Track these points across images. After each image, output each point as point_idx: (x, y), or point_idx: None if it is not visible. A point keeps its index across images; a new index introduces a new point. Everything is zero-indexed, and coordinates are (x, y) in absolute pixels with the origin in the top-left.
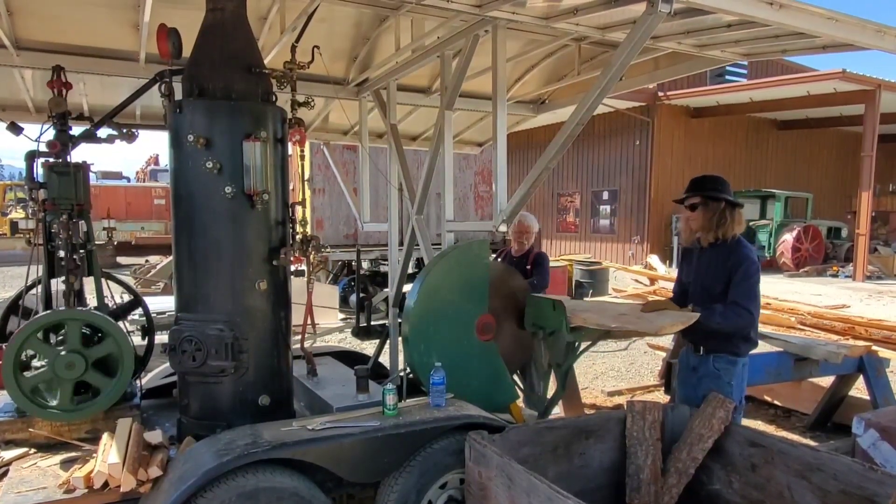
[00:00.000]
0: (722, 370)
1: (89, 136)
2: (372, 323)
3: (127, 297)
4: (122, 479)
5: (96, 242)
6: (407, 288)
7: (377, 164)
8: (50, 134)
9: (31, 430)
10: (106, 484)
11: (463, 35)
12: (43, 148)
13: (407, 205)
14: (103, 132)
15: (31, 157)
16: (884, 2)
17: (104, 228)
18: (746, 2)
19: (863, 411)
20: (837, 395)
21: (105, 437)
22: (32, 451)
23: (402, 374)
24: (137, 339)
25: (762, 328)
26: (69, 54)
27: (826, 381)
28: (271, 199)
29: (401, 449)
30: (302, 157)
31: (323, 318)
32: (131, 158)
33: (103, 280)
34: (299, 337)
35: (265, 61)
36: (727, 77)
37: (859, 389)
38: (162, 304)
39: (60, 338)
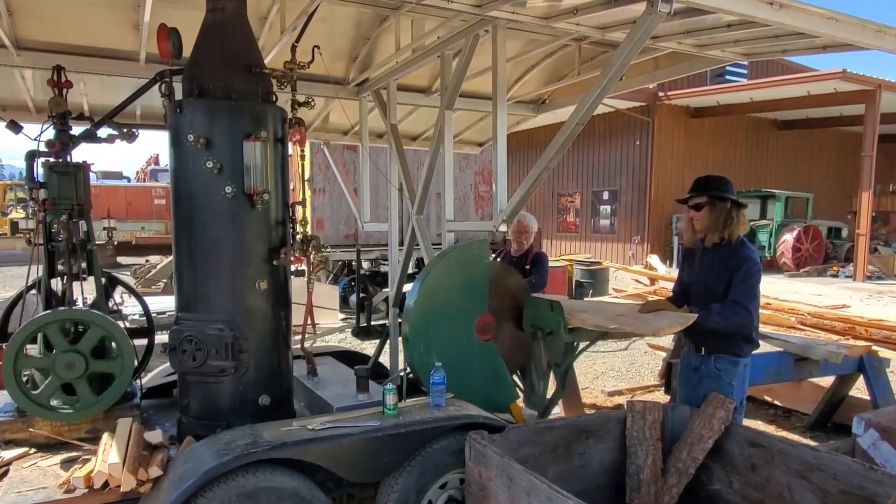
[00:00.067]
0: (723, 370)
1: (89, 136)
2: (372, 323)
3: (127, 297)
4: (123, 478)
5: (96, 242)
6: (407, 288)
7: (377, 164)
8: (50, 133)
9: (31, 429)
10: (106, 484)
11: (463, 35)
12: (43, 147)
13: (407, 205)
14: (103, 132)
15: (32, 156)
16: (884, 2)
17: (104, 228)
18: (746, 2)
19: (863, 411)
20: (837, 395)
21: (105, 436)
22: (32, 450)
23: (402, 374)
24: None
25: (762, 328)
26: (69, 54)
27: (826, 381)
28: (271, 198)
29: (401, 449)
30: (302, 157)
31: (323, 318)
32: (131, 158)
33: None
34: (299, 337)
35: (265, 61)
36: (727, 77)
37: (859, 389)
38: (162, 304)
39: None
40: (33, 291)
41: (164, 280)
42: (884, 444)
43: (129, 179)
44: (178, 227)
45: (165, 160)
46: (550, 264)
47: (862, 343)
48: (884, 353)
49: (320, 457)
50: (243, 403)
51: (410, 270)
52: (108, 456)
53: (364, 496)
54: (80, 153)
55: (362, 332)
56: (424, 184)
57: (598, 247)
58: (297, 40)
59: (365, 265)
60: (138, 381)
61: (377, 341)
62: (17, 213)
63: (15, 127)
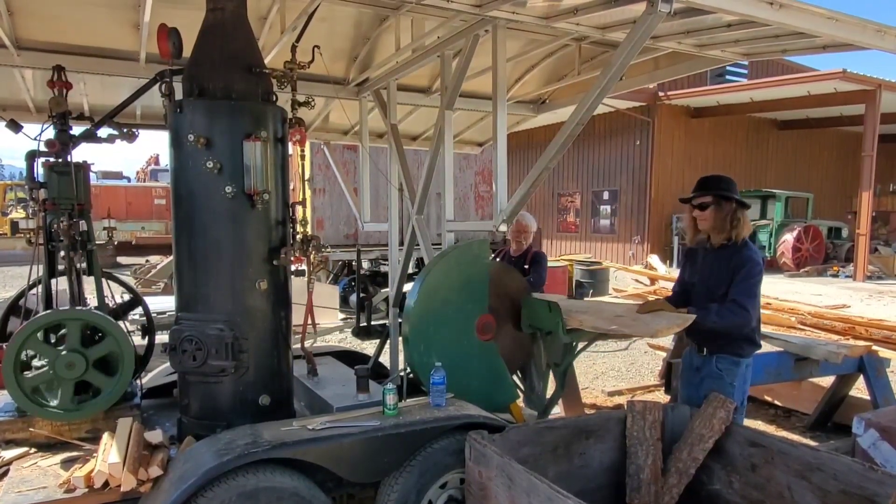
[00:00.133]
0: (724, 371)
1: (90, 136)
2: (372, 323)
3: (128, 297)
4: (123, 478)
5: (97, 242)
6: (407, 288)
7: (377, 163)
8: (50, 133)
9: (31, 429)
10: (106, 483)
11: (463, 35)
12: (43, 147)
13: (407, 205)
14: (104, 132)
15: (32, 156)
16: (884, 2)
17: (104, 228)
18: (746, 2)
19: (863, 411)
20: (837, 395)
21: (105, 436)
22: (33, 450)
23: (402, 373)
24: (138, 339)
25: (762, 328)
26: (69, 54)
27: (826, 381)
28: (271, 198)
29: (401, 449)
30: (302, 157)
31: (323, 318)
32: (132, 158)
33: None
34: (299, 337)
35: (265, 61)
36: (727, 77)
37: (859, 389)
38: (162, 303)
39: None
40: (33, 291)
41: (164, 280)
42: (884, 444)
43: (129, 179)
44: (178, 227)
45: (165, 160)
46: (551, 264)
47: (862, 343)
48: (884, 353)
49: (320, 457)
50: (243, 403)
51: (410, 270)
52: (109, 456)
53: (364, 496)
54: (80, 153)
55: (362, 332)
56: (424, 184)
57: (598, 247)
58: (298, 40)
59: (365, 265)
60: (138, 381)
61: (377, 341)
62: (18, 213)
63: (15, 127)
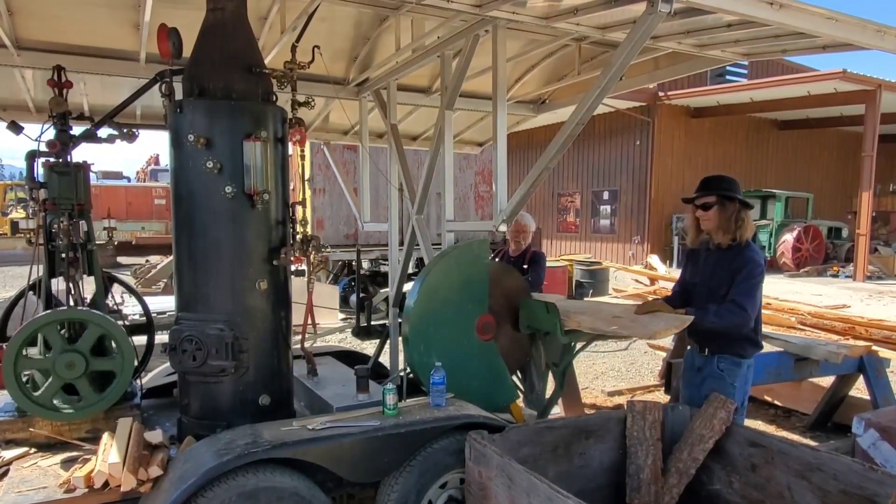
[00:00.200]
0: (726, 371)
1: (90, 136)
2: (372, 323)
3: (128, 297)
4: (123, 478)
5: (97, 242)
6: (407, 288)
7: (377, 164)
8: (50, 134)
9: (31, 429)
10: (106, 483)
11: (463, 35)
12: (43, 148)
13: (407, 205)
14: (104, 132)
15: (32, 156)
16: (884, 2)
17: (105, 228)
18: (746, 2)
19: (863, 411)
20: (837, 395)
21: (105, 436)
22: (33, 450)
23: (402, 373)
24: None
25: (762, 328)
26: (69, 54)
27: (826, 381)
28: (271, 198)
29: (401, 449)
30: (302, 157)
31: (323, 318)
32: (132, 158)
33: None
34: (299, 337)
35: (265, 61)
36: (727, 77)
37: (859, 389)
38: (162, 303)
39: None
40: (33, 291)
41: (164, 280)
42: (884, 444)
43: (129, 179)
44: (178, 227)
45: (165, 160)
46: (551, 264)
47: (862, 343)
48: (884, 353)
49: (320, 457)
50: (243, 403)
51: (410, 270)
52: (109, 456)
53: (364, 496)
54: (80, 153)
55: (362, 332)
56: (424, 184)
57: (598, 247)
58: (298, 40)
59: (365, 265)
60: (138, 381)
61: (377, 341)
62: (18, 213)
63: (16, 128)
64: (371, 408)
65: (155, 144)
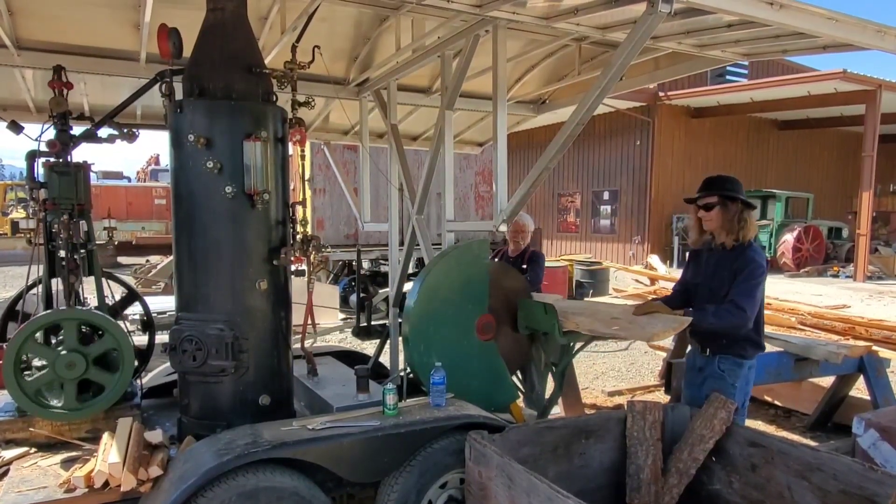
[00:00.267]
0: (727, 371)
1: (90, 136)
2: (372, 323)
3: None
4: (123, 478)
5: (97, 242)
6: (407, 288)
7: (378, 164)
8: (50, 134)
9: (31, 429)
10: (106, 483)
11: (463, 35)
12: (43, 147)
13: (407, 205)
14: (104, 132)
15: (32, 156)
16: (884, 2)
17: (105, 228)
18: (746, 2)
19: (863, 411)
20: (838, 396)
21: (105, 436)
22: (33, 450)
23: (402, 373)
24: (137, 339)
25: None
26: (70, 54)
27: (826, 381)
28: (272, 198)
29: (401, 449)
30: (302, 157)
31: (323, 318)
32: (132, 158)
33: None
34: (299, 337)
35: (266, 61)
36: (728, 77)
37: (860, 389)
38: (162, 303)
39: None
40: (33, 291)
41: (165, 280)
42: (884, 444)
43: (129, 179)
44: (178, 227)
45: (166, 160)
46: (551, 264)
47: (862, 343)
48: (884, 353)
49: (320, 457)
50: (243, 403)
51: (411, 270)
52: (109, 455)
53: (364, 496)
54: (80, 153)
55: (362, 332)
56: (424, 184)
57: (598, 247)
58: (298, 40)
59: (365, 265)
60: (138, 381)
61: (377, 341)
62: (18, 213)
63: (16, 128)
64: (371, 408)
65: (155, 144)
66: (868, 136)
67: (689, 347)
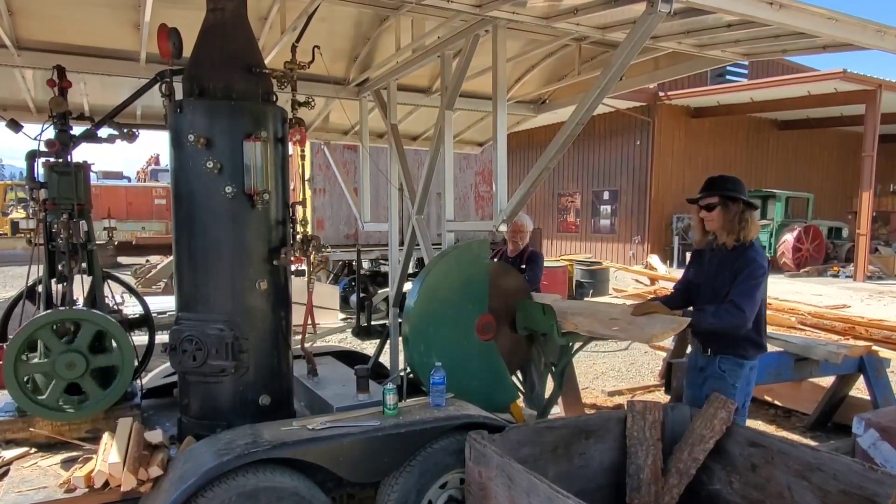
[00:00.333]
0: (727, 371)
1: (90, 136)
2: (372, 323)
3: (127, 296)
4: (123, 478)
5: (97, 242)
6: (407, 288)
7: (378, 163)
8: (50, 133)
9: (31, 429)
10: (106, 483)
11: (463, 35)
12: (43, 147)
13: (407, 205)
14: (104, 132)
15: (32, 156)
16: (884, 2)
17: (105, 228)
18: (746, 2)
19: (863, 411)
20: (838, 395)
21: (105, 436)
22: (33, 450)
23: (402, 373)
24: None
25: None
26: (70, 54)
27: (826, 381)
28: (272, 198)
29: (401, 449)
30: (302, 157)
31: (323, 318)
32: (132, 158)
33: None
34: (299, 337)
35: (265, 61)
36: (728, 77)
37: (860, 389)
38: (162, 303)
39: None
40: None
41: (165, 280)
42: (884, 444)
43: (129, 179)
44: (178, 227)
45: (166, 160)
46: (551, 264)
47: (862, 343)
48: (884, 353)
49: (320, 457)
50: (243, 403)
51: (411, 270)
52: (109, 455)
53: (364, 496)
54: (80, 153)
55: (362, 332)
56: (424, 184)
57: (598, 247)
58: (298, 40)
59: (365, 265)
60: (138, 381)
61: (377, 341)
62: (18, 213)
63: (15, 126)
64: (371, 408)
65: (155, 144)
66: (868, 136)
67: (691, 347)
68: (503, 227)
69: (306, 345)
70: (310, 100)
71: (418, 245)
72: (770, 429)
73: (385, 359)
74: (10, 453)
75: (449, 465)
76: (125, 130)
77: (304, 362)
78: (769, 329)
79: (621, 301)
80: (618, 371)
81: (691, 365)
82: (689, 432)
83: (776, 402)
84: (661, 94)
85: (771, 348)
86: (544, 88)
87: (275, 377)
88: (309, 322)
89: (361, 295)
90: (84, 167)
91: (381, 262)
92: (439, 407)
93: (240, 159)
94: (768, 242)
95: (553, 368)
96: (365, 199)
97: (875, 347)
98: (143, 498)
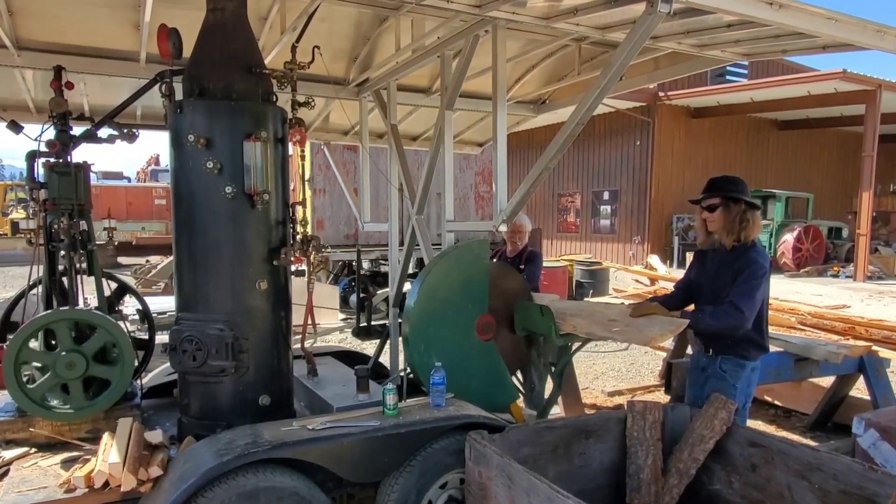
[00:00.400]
0: (728, 372)
1: (90, 136)
2: (372, 323)
3: (127, 297)
4: (123, 478)
5: (97, 242)
6: (407, 288)
7: (377, 164)
8: (50, 134)
9: (31, 429)
10: (106, 483)
11: (463, 35)
12: (43, 148)
13: (407, 205)
14: (104, 132)
15: (32, 157)
16: (884, 2)
17: (105, 228)
18: (746, 2)
19: (863, 411)
20: (838, 396)
21: (105, 436)
22: (33, 450)
23: (402, 374)
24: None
25: None
26: (70, 54)
27: (826, 381)
28: (272, 198)
29: (401, 449)
30: (302, 157)
31: (323, 318)
32: (132, 158)
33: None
34: (299, 337)
35: (265, 61)
36: (728, 77)
37: (860, 389)
38: (162, 304)
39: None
40: (34, 291)
41: (165, 280)
42: (884, 444)
43: (129, 179)
44: (178, 228)
45: (166, 160)
46: (551, 265)
47: (862, 343)
48: (884, 353)
49: (320, 457)
50: (243, 403)
51: (410, 270)
52: (109, 456)
53: (364, 496)
54: (80, 153)
55: (362, 332)
56: (424, 184)
57: (598, 247)
58: (298, 40)
59: (365, 265)
60: (138, 381)
61: (377, 341)
62: (18, 214)
63: (16, 128)
64: (371, 408)
65: (155, 144)
66: (868, 136)
67: (694, 347)
68: (503, 228)
69: (306, 345)
70: (310, 100)
71: (418, 245)
72: (770, 429)
73: (385, 359)
74: (10, 453)
75: (449, 465)
76: (125, 131)
77: (304, 362)
78: (769, 329)
79: (620, 301)
80: (618, 371)
81: (693, 365)
82: (690, 432)
83: (776, 402)
84: (661, 94)
85: (771, 348)
86: (544, 89)
87: (275, 377)
88: (309, 322)
89: (361, 295)
90: (84, 167)
91: (381, 262)
92: (439, 407)
93: (240, 159)
94: (768, 242)
95: (552, 368)
96: (365, 200)
97: (875, 347)
98: (143, 498)
